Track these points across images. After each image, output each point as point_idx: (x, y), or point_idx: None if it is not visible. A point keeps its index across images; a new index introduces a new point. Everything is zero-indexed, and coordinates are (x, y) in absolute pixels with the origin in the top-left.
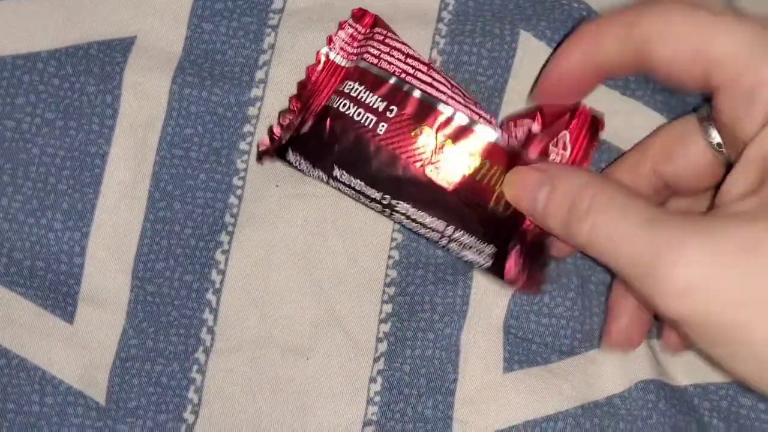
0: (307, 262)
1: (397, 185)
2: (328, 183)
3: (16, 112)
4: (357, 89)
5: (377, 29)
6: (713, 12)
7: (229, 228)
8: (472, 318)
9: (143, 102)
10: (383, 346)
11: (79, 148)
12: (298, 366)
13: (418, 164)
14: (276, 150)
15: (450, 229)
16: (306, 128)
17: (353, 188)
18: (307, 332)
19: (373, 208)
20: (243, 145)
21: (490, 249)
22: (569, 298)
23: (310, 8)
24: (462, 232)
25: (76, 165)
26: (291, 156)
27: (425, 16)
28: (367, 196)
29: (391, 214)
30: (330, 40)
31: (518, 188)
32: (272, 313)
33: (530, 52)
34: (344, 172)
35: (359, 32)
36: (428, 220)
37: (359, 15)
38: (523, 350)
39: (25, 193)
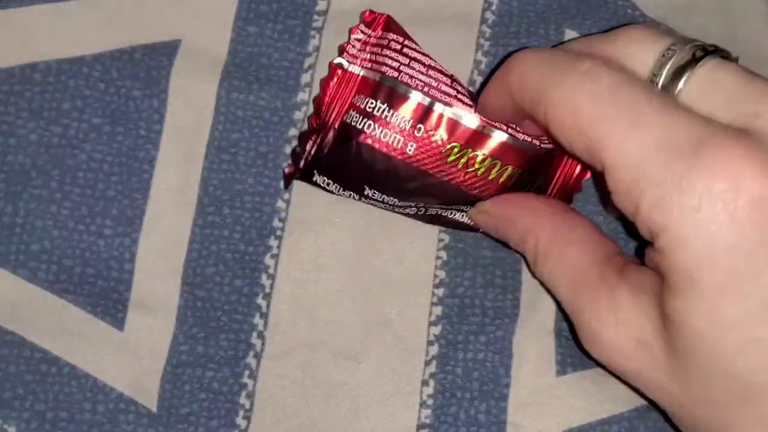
0: (355, 266)
1: (431, 197)
2: (359, 200)
3: (63, 118)
4: (380, 107)
5: (392, 35)
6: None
7: (278, 232)
8: (524, 321)
9: (190, 106)
10: (434, 349)
11: (126, 153)
12: (349, 370)
13: (452, 180)
14: (302, 173)
15: None
16: (328, 148)
17: (386, 203)
18: (358, 336)
19: (406, 214)
20: (288, 149)
21: None
22: None
23: (354, 10)
24: None
25: (125, 170)
26: (318, 178)
27: (468, 16)
28: (400, 207)
29: (426, 213)
30: (342, 50)
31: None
32: (322, 317)
33: None
34: (376, 192)
35: (372, 36)
36: (465, 219)
37: (370, 20)
38: (575, 352)
39: (74, 199)
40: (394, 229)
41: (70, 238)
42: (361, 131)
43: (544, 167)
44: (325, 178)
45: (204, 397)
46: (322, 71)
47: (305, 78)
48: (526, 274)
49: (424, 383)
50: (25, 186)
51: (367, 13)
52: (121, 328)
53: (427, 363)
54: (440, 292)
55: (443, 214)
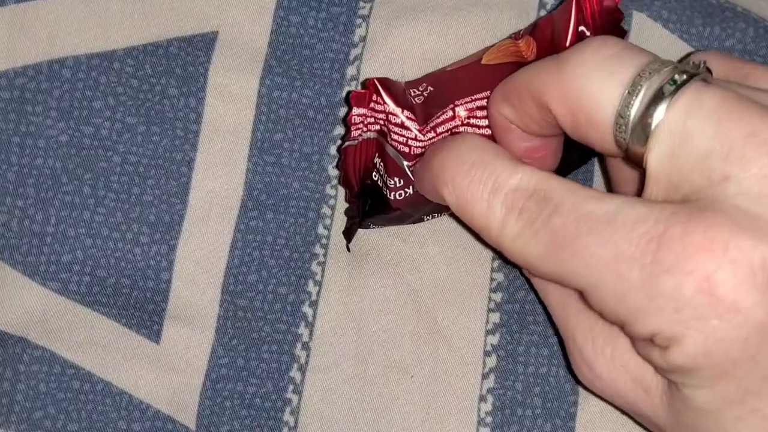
0: (404, 270)
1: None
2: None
3: (94, 117)
4: (381, 173)
5: (376, 99)
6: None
7: (323, 240)
8: None
9: (230, 105)
10: (492, 361)
11: (163, 155)
12: (401, 384)
13: None
14: (359, 227)
15: None
16: (369, 207)
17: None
18: (409, 346)
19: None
20: (333, 150)
21: None
22: None
23: None
24: None
25: (161, 173)
26: (374, 228)
27: (526, 3)
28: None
29: None
30: (347, 134)
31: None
32: (371, 327)
33: (644, 32)
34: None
35: (369, 107)
36: None
37: (359, 97)
38: None
39: (108, 205)
40: (444, 230)
41: (104, 246)
42: (392, 191)
43: None
44: (378, 227)
45: (246, 414)
46: (368, 62)
47: (351, 71)
48: None
49: (482, 399)
50: (56, 192)
51: (353, 93)
52: (158, 341)
53: (485, 376)
54: (498, 297)
55: None
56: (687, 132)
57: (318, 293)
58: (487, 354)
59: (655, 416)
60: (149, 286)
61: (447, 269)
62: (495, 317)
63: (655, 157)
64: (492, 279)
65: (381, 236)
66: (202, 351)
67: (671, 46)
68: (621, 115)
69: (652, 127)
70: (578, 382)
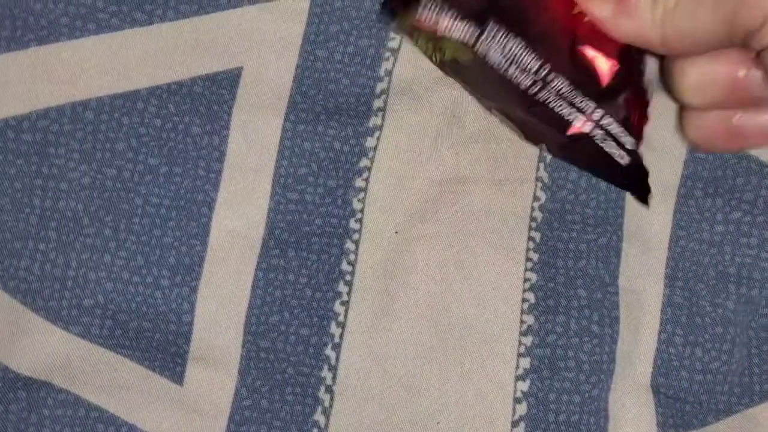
0: (431, 312)
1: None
2: (466, 45)
3: (117, 159)
4: None
5: None
6: None
7: (347, 277)
8: (619, 376)
9: (253, 142)
10: (522, 408)
11: (185, 197)
12: (427, 431)
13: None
14: None
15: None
16: None
17: (505, 54)
18: (436, 392)
19: (508, 93)
20: (359, 182)
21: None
22: (725, 350)
23: None
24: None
25: (182, 215)
26: (426, 5)
27: None
28: (518, 66)
29: (535, 95)
30: None
31: None
32: (396, 371)
33: None
34: (502, 28)
35: None
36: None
37: None
38: (676, 411)
39: (129, 248)
40: (472, 268)
41: (125, 291)
42: None
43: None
44: (438, 4)
45: None
46: (395, 97)
47: (377, 103)
48: (625, 319)
49: None
50: (77, 235)
51: None
52: (181, 383)
53: (514, 424)
54: (528, 340)
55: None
56: None
57: (341, 335)
58: (517, 401)
59: None
60: (171, 328)
61: (475, 310)
62: (525, 362)
63: None
64: (522, 321)
65: (409, 275)
66: (226, 393)
67: None
68: None
69: None
70: None
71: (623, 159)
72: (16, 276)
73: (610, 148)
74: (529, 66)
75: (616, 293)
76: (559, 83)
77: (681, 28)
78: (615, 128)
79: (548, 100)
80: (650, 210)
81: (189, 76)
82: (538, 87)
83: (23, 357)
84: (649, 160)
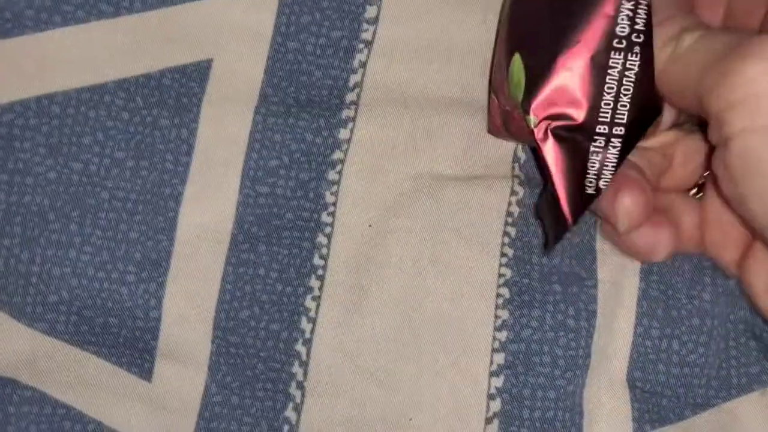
0: (404, 307)
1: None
2: None
3: (83, 153)
4: None
5: None
6: None
7: (319, 272)
8: (594, 371)
9: (223, 135)
10: (496, 405)
11: (151, 191)
12: (400, 428)
13: None
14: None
15: None
16: None
17: None
18: (409, 387)
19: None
20: (332, 175)
21: None
22: (702, 343)
23: (405, 16)
24: None
25: (149, 209)
26: None
27: None
28: None
29: None
30: None
31: None
32: (368, 366)
33: None
34: None
35: None
36: None
37: None
38: (653, 406)
39: (95, 243)
40: (447, 263)
41: (90, 287)
42: None
43: None
44: None
45: None
46: (369, 89)
47: (350, 97)
48: (602, 312)
49: None
50: (43, 230)
51: None
52: (149, 379)
53: (488, 421)
54: (502, 336)
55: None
56: None
57: (312, 330)
58: (491, 397)
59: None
60: (138, 324)
61: (449, 306)
62: (499, 358)
63: None
64: (497, 317)
65: (382, 270)
66: (195, 389)
67: None
68: None
69: None
70: None
71: (589, 189)
72: None
73: (591, 168)
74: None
75: (594, 286)
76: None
77: (674, 79)
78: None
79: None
80: None
81: (158, 68)
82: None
83: None
84: None
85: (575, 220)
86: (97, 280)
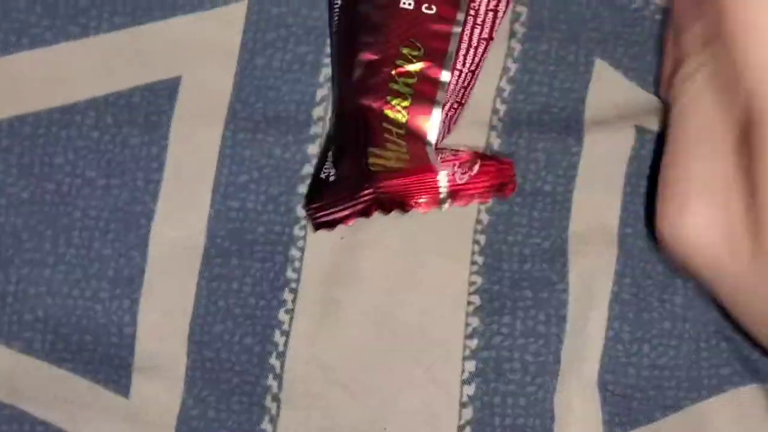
0: (376, 318)
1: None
2: None
3: (55, 173)
4: None
5: None
6: None
7: (293, 285)
8: (564, 376)
9: (193, 152)
10: (468, 413)
11: (123, 208)
12: None
13: None
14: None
15: None
16: None
17: None
18: (382, 398)
19: None
20: (302, 189)
21: None
22: (673, 346)
23: None
24: None
25: (121, 226)
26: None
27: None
28: None
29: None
30: None
31: None
32: (342, 379)
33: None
34: None
35: None
36: None
37: None
38: (623, 409)
39: (69, 261)
40: (418, 272)
41: (65, 304)
42: None
43: None
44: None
45: None
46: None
47: (317, 112)
48: (573, 317)
49: None
50: (17, 249)
51: None
52: (126, 395)
53: (460, 429)
54: (473, 343)
55: None
56: None
57: (285, 343)
58: (463, 405)
59: (734, 274)
60: (113, 341)
61: (422, 317)
62: (471, 365)
63: None
64: (467, 324)
65: (355, 281)
66: (173, 403)
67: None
68: None
69: None
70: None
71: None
72: None
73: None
74: None
75: (565, 290)
76: None
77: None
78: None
79: None
80: (599, 209)
81: (127, 86)
82: None
83: None
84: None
85: None
86: (71, 297)
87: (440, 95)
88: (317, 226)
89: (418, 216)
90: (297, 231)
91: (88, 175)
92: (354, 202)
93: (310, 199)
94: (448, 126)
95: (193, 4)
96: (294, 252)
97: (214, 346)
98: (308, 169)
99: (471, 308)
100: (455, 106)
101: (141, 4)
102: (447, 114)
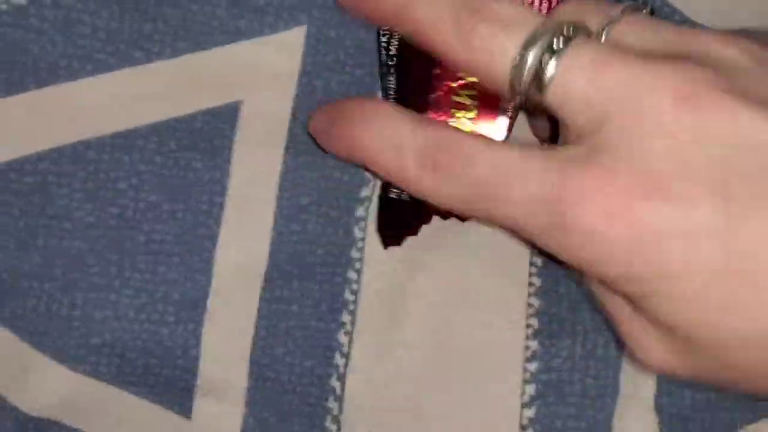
0: (436, 340)
1: None
2: None
3: (119, 197)
4: None
5: None
6: None
7: (350, 306)
8: (622, 399)
9: (254, 175)
10: None
11: (187, 232)
12: None
13: None
14: None
15: None
16: None
17: None
18: (442, 420)
19: None
20: (360, 212)
21: None
22: None
23: None
24: None
25: (185, 250)
26: None
27: None
28: None
29: None
30: None
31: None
32: (401, 400)
33: None
34: None
35: None
36: None
37: None
38: (682, 429)
39: (134, 286)
40: (476, 294)
41: (131, 329)
42: None
43: None
44: None
45: None
46: None
47: None
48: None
49: None
50: (82, 274)
51: None
52: (189, 416)
53: None
54: (533, 366)
55: None
56: (570, 83)
57: (345, 365)
58: (523, 428)
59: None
60: (178, 363)
61: (480, 338)
62: (531, 389)
63: (553, 106)
64: (527, 347)
65: (412, 302)
66: (235, 424)
67: None
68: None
69: (546, 80)
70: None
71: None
72: (23, 317)
73: None
74: None
75: None
76: None
77: None
78: None
79: None
80: None
81: (188, 111)
82: None
83: (33, 398)
84: None
85: None
86: (137, 321)
87: (504, 102)
88: (387, 244)
89: (474, 237)
90: (354, 253)
91: (152, 199)
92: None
93: (381, 218)
94: (510, 131)
95: (254, 30)
96: (351, 274)
97: (275, 368)
98: (365, 191)
99: (530, 331)
100: (514, 110)
101: (203, 30)
102: (510, 120)
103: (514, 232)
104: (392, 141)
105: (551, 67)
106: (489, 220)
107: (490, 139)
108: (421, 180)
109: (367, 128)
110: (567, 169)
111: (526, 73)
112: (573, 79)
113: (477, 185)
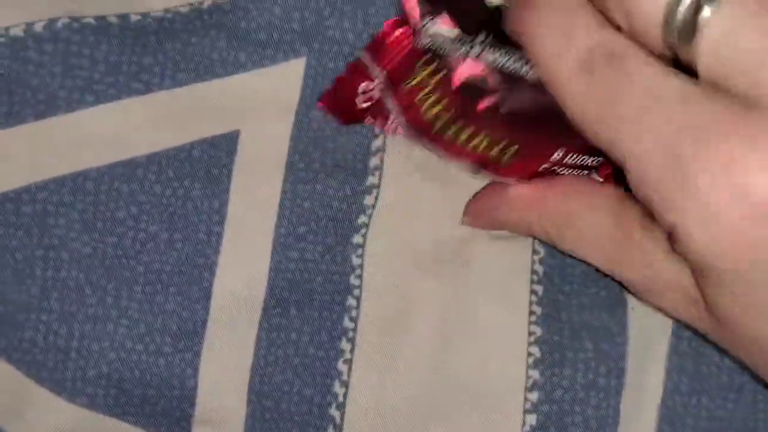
0: (435, 368)
1: None
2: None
3: (118, 227)
4: None
5: None
6: None
7: (350, 334)
8: (623, 427)
9: (253, 204)
10: None
11: (186, 262)
12: None
13: None
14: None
15: None
16: None
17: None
18: None
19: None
20: (357, 238)
21: None
22: (731, 399)
23: None
24: None
25: (184, 280)
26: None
27: None
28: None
29: None
30: None
31: None
32: (401, 428)
33: None
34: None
35: None
36: None
37: None
38: None
39: (131, 316)
40: (475, 322)
41: (129, 360)
42: None
43: None
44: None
45: None
46: (392, 156)
47: (374, 162)
48: (631, 369)
49: None
50: (80, 305)
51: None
52: None
53: None
54: (534, 396)
55: None
56: (731, 37)
57: (345, 395)
58: None
59: (709, 332)
60: (175, 394)
61: (480, 367)
62: (532, 419)
63: (704, 62)
64: (528, 377)
65: (412, 330)
66: None
67: None
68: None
69: (698, 31)
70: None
71: None
72: (20, 348)
73: None
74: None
75: (624, 343)
76: None
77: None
78: None
79: None
80: None
81: (187, 141)
82: None
83: (30, 429)
84: None
85: None
86: (135, 352)
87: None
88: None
89: (474, 267)
90: (353, 280)
91: (151, 229)
92: None
93: None
94: None
95: (254, 61)
96: (351, 301)
97: (273, 397)
98: (363, 219)
99: (531, 360)
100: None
101: (203, 61)
102: None
103: (617, 163)
104: (562, 30)
105: (707, 11)
106: (605, 144)
107: (656, 62)
108: (570, 80)
109: (547, 3)
110: (727, 127)
111: (683, 9)
112: (738, 28)
113: (621, 105)
